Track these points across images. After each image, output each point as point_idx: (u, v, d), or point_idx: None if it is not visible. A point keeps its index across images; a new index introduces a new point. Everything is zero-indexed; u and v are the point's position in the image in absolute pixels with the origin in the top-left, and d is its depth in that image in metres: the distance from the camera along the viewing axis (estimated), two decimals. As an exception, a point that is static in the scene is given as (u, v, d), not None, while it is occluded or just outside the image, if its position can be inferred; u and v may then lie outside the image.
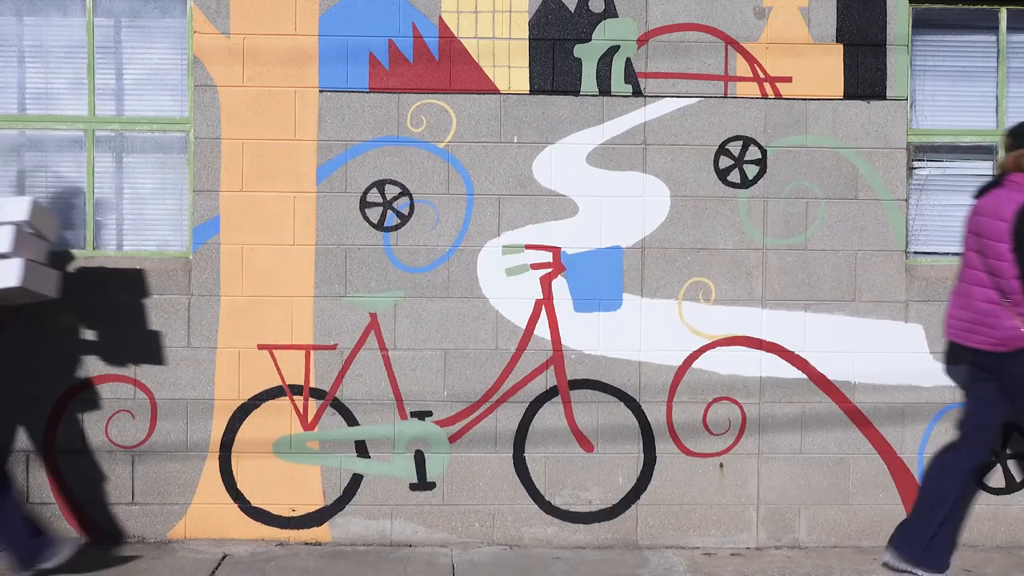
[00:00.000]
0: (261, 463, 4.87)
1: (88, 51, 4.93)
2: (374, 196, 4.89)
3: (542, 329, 4.92)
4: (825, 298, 4.98)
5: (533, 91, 4.92)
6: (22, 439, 4.82)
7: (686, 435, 4.96)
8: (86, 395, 4.82)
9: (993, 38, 5.18)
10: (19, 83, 5.02)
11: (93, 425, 4.82)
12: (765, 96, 4.96)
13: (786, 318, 4.98)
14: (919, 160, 5.16)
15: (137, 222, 5.04)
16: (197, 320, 4.84)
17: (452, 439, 4.91)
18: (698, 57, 4.95)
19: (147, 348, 4.83)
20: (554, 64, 4.92)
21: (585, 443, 4.94)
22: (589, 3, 4.92)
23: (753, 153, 4.97)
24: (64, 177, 5.01)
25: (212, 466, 4.86)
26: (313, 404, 4.88)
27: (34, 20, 5.00)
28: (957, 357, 4.83)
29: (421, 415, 4.91)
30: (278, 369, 4.87)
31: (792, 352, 4.98)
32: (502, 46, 4.91)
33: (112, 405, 4.83)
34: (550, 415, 4.93)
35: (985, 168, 5.21)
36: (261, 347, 4.86)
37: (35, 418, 4.80)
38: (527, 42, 4.91)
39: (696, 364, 4.96)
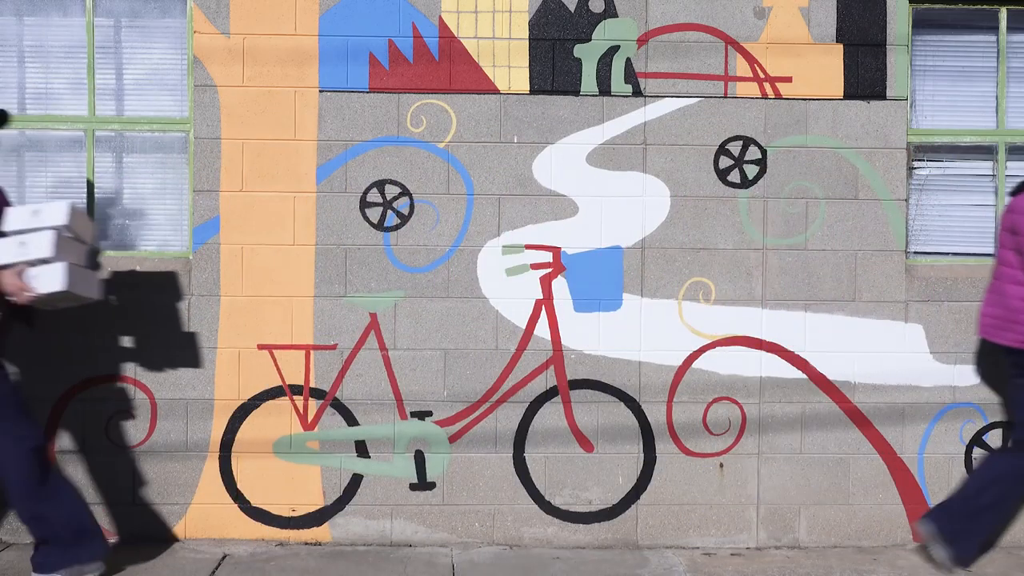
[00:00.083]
0: (261, 463, 4.87)
1: (88, 51, 4.93)
2: (374, 196, 4.89)
3: (542, 329, 4.92)
4: (825, 298, 4.98)
5: (533, 91, 4.92)
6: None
7: (686, 435, 4.96)
8: (86, 395, 4.82)
9: (993, 38, 5.19)
10: (19, 83, 5.02)
11: (93, 425, 4.82)
12: (765, 96, 4.96)
13: (786, 318, 4.98)
14: (919, 160, 5.16)
15: (137, 222, 5.04)
16: (197, 320, 4.84)
17: (452, 439, 4.91)
18: (698, 57, 4.95)
19: (147, 348, 4.83)
20: (554, 64, 4.92)
21: (585, 443, 4.94)
22: (589, 3, 4.92)
23: (753, 153, 4.97)
24: (64, 177, 5.01)
25: (212, 466, 4.86)
26: (313, 404, 4.88)
27: (34, 20, 5.00)
28: (987, 354, 4.86)
29: (421, 415, 4.91)
30: (278, 369, 4.87)
31: (792, 352, 4.98)
32: (502, 46, 4.91)
33: (112, 405, 4.83)
34: (550, 415, 4.93)
35: (985, 168, 5.21)
36: (261, 347, 4.86)
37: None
38: (527, 42, 4.92)
39: (696, 364, 4.96)
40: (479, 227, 4.91)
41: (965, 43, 5.22)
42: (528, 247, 4.93)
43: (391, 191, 4.90)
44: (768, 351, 4.97)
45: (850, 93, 4.98)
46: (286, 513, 4.89)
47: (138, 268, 4.84)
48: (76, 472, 4.80)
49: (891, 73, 4.99)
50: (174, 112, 5.00)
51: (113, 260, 4.87)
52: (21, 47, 5.02)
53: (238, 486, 4.87)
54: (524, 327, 4.92)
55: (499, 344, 4.91)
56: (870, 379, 4.99)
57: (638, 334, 4.94)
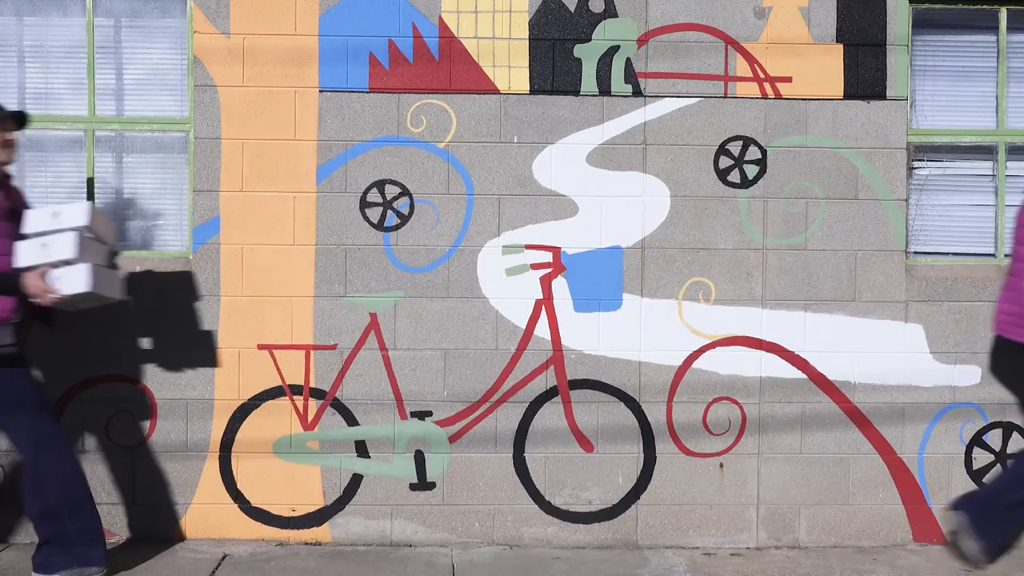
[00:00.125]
0: (261, 463, 4.87)
1: (88, 51, 4.93)
2: (374, 196, 4.89)
3: (542, 329, 4.92)
4: (825, 298, 4.98)
5: (533, 91, 4.92)
6: (22, 439, 4.82)
7: (686, 435, 4.96)
8: (86, 395, 4.82)
9: (993, 38, 5.19)
10: (19, 83, 5.02)
11: (93, 425, 4.82)
12: (765, 96, 4.96)
13: (786, 318, 4.98)
14: (919, 160, 5.17)
15: (137, 222, 5.04)
16: (197, 320, 4.84)
17: (452, 439, 4.91)
18: (698, 57, 4.95)
19: (147, 348, 4.83)
20: (554, 64, 4.92)
21: (585, 443, 4.94)
22: (589, 3, 4.92)
23: (753, 153, 4.97)
24: (64, 177, 5.01)
25: (212, 466, 4.86)
26: (313, 404, 4.88)
27: (34, 20, 5.00)
28: (1003, 351, 4.86)
29: (421, 415, 4.91)
30: (278, 369, 4.87)
31: (792, 352, 4.98)
32: (502, 46, 4.91)
33: (112, 405, 4.83)
34: (550, 415, 4.93)
35: (985, 168, 5.21)
36: (261, 347, 4.86)
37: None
38: (527, 42, 4.92)
39: (696, 364, 4.96)
40: (479, 227, 4.91)
41: (965, 43, 5.22)
42: (528, 247, 4.93)
43: (391, 191, 4.90)
44: (768, 351, 4.97)
45: (850, 93, 4.98)
46: (286, 513, 4.89)
47: (137, 268, 4.84)
48: (76, 472, 4.80)
49: (891, 73, 4.99)
50: (174, 112, 5.00)
51: (113, 260, 4.88)
52: (21, 47, 5.02)
53: (238, 486, 4.87)
54: (524, 327, 4.92)
55: (499, 344, 4.91)
56: (870, 379, 4.99)
57: (638, 334, 4.94)
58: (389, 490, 4.91)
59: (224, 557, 4.64)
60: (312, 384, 4.88)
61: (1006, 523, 4.49)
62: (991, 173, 5.21)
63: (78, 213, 4.15)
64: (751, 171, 4.97)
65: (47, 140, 5.01)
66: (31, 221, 4.13)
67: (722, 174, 4.97)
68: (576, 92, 4.92)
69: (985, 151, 5.21)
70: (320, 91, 4.87)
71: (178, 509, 4.85)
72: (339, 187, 4.88)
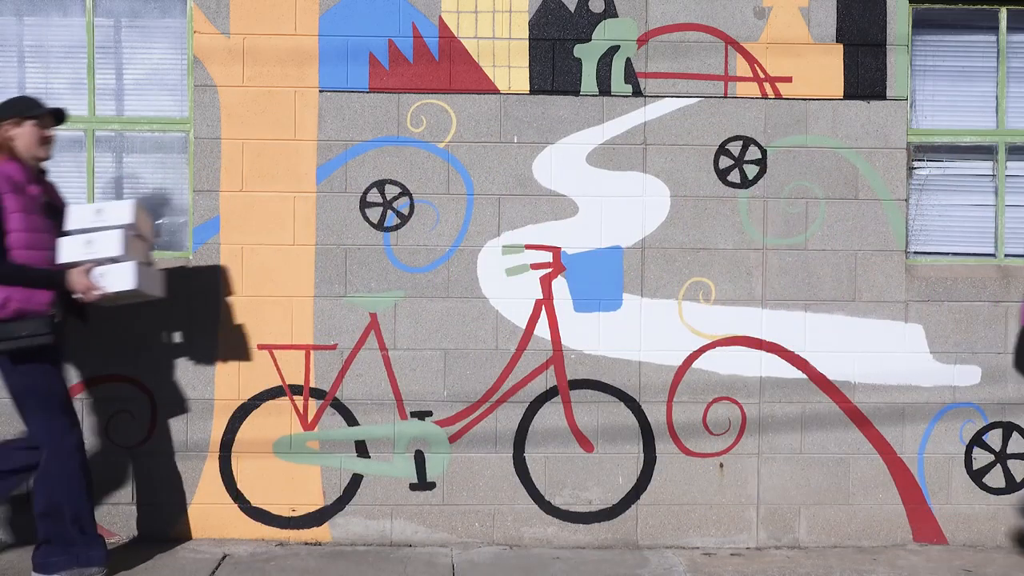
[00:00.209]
0: (261, 463, 4.87)
1: (88, 51, 4.93)
2: (374, 196, 4.89)
3: (542, 329, 4.92)
4: (825, 298, 4.98)
5: (533, 91, 4.92)
6: (22, 439, 4.82)
7: (686, 435, 4.96)
8: (86, 395, 4.82)
9: (993, 38, 5.19)
10: (19, 83, 5.02)
11: (93, 425, 4.82)
12: (765, 96, 4.96)
13: (786, 318, 4.98)
14: (919, 160, 5.16)
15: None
16: (197, 320, 4.84)
17: (452, 439, 4.91)
18: (698, 57, 4.95)
19: (147, 348, 4.83)
20: (554, 64, 4.92)
21: (585, 443, 4.94)
22: (589, 3, 4.92)
23: (753, 153, 4.97)
24: (64, 177, 5.01)
25: (212, 466, 4.86)
26: (313, 404, 4.88)
27: (34, 20, 5.00)
28: None
29: (421, 415, 4.91)
30: (278, 369, 4.87)
31: (792, 352, 4.98)
32: (502, 46, 4.91)
33: (112, 405, 4.83)
34: (550, 415, 4.93)
35: (985, 168, 5.21)
36: (261, 347, 4.86)
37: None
38: (527, 42, 4.91)
39: (696, 364, 4.96)
40: (479, 227, 4.91)
41: (965, 43, 5.22)
42: (528, 247, 4.93)
43: (391, 191, 4.90)
44: (768, 351, 4.97)
45: (850, 93, 4.98)
46: (286, 513, 4.89)
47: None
48: (76, 472, 4.80)
49: (891, 73, 4.99)
50: (174, 112, 5.00)
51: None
52: (21, 47, 5.02)
53: (238, 486, 4.87)
54: (524, 327, 4.92)
55: (499, 344, 4.91)
56: (870, 379, 4.99)
57: (638, 334, 4.94)
58: (389, 490, 4.91)
59: (224, 557, 4.64)
60: (312, 384, 4.88)
61: None
62: (991, 173, 5.21)
63: (123, 211, 4.21)
64: (751, 171, 4.97)
65: (47, 140, 5.01)
66: (74, 218, 4.19)
67: (722, 174, 4.97)
68: (576, 92, 4.92)
69: (985, 151, 5.21)
70: (320, 91, 4.87)
71: (178, 509, 4.85)
72: (339, 187, 4.88)
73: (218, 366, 4.85)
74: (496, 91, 4.90)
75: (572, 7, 4.91)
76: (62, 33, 4.99)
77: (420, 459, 4.91)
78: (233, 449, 4.86)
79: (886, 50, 4.99)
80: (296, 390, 4.88)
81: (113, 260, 4.12)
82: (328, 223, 4.88)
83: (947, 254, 5.18)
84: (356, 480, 4.89)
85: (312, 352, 4.88)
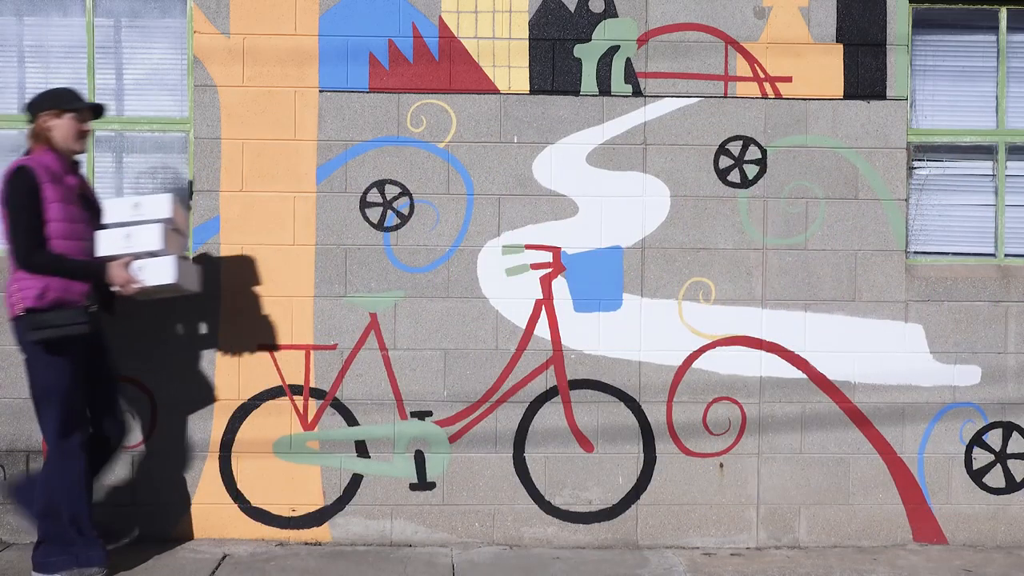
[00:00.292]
0: (261, 463, 4.87)
1: (88, 51, 4.93)
2: (374, 196, 4.89)
3: (542, 329, 4.92)
4: (825, 298, 4.98)
5: (533, 91, 4.92)
6: (22, 439, 4.82)
7: (686, 435, 4.96)
8: (86, 395, 4.82)
9: (993, 38, 5.19)
10: (19, 83, 5.02)
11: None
12: (765, 96, 4.96)
13: (786, 318, 4.98)
14: (919, 160, 5.16)
15: (137, 222, 5.04)
16: (197, 320, 4.84)
17: (452, 439, 4.91)
18: (698, 57, 4.95)
19: (147, 348, 4.83)
20: (554, 64, 4.92)
21: (585, 443, 4.94)
22: (589, 3, 4.92)
23: (753, 153, 4.97)
24: (64, 177, 5.01)
25: (212, 466, 4.86)
26: (313, 404, 4.88)
27: (34, 20, 5.00)
28: None
29: (421, 415, 4.91)
30: (278, 369, 4.87)
31: (792, 352, 4.98)
32: (502, 46, 4.91)
33: (112, 405, 4.82)
34: (550, 415, 4.93)
35: (985, 168, 5.21)
36: (261, 347, 4.86)
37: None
38: (527, 42, 4.91)
39: (696, 364, 4.96)
40: (479, 227, 4.91)
41: (965, 43, 5.21)
42: (528, 247, 4.93)
43: (391, 191, 4.90)
44: (768, 351, 4.97)
45: (850, 93, 4.98)
46: (286, 513, 4.89)
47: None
48: (76, 472, 4.80)
49: (891, 73, 4.99)
50: (174, 112, 5.00)
51: (113, 260, 4.87)
52: (21, 47, 5.02)
53: (238, 486, 4.87)
54: (524, 327, 4.92)
55: (499, 344, 4.91)
56: (870, 379, 4.99)
57: (638, 334, 4.94)
58: (389, 490, 4.90)
59: (224, 557, 4.64)
60: (312, 384, 4.88)
61: None
62: (991, 173, 5.21)
63: (161, 205, 4.26)
64: (751, 171, 4.97)
65: (47, 140, 5.01)
66: (111, 211, 4.25)
67: (722, 174, 4.97)
68: (576, 92, 4.92)
69: (985, 151, 5.21)
70: (320, 91, 4.87)
71: (178, 509, 4.85)
72: (339, 187, 4.88)
73: (218, 366, 4.85)
74: (496, 91, 4.90)
75: (572, 7, 4.91)
76: (62, 33, 4.99)
77: (420, 459, 4.91)
78: (233, 449, 4.86)
79: (886, 50, 4.99)
80: (296, 390, 4.88)
81: (151, 254, 4.18)
82: (328, 223, 4.88)
83: (947, 254, 5.18)
84: (356, 480, 4.89)
85: (312, 352, 4.88)
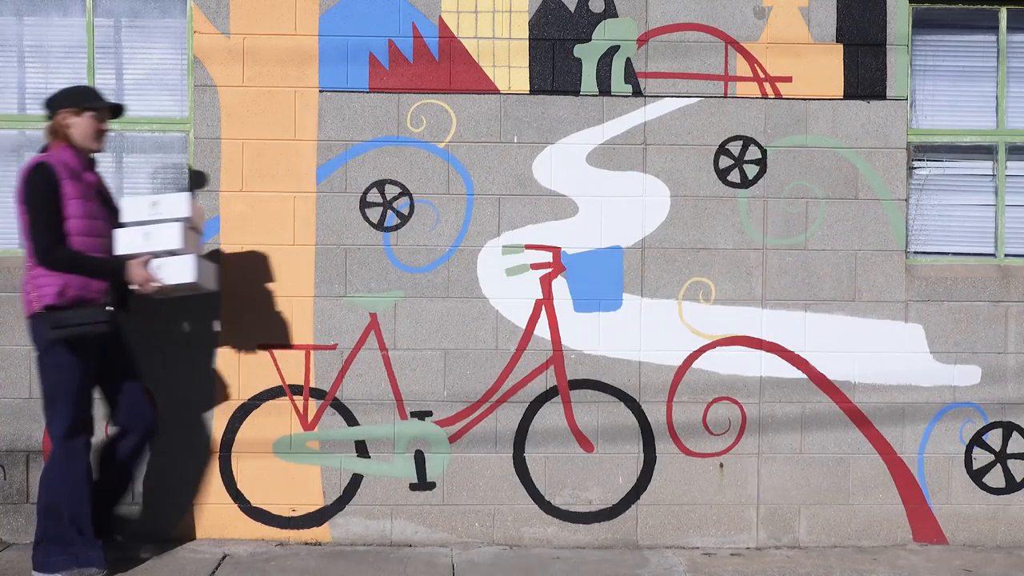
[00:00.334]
0: (261, 463, 4.87)
1: (88, 51, 4.93)
2: (374, 196, 4.89)
3: (542, 329, 4.92)
4: (825, 298, 4.98)
5: (533, 91, 4.92)
6: (22, 439, 4.82)
7: (686, 435, 4.96)
8: (86, 395, 4.82)
9: (993, 38, 5.18)
10: (19, 83, 5.02)
11: (93, 425, 4.82)
12: (765, 96, 4.96)
13: (786, 318, 4.98)
14: (919, 160, 5.16)
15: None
16: (197, 320, 4.84)
17: (452, 439, 4.91)
18: (698, 57, 4.95)
19: (147, 348, 4.82)
20: (554, 64, 4.92)
21: (585, 443, 4.94)
22: (589, 3, 4.92)
23: (753, 153, 4.97)
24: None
25: (212, 466, 4.85)
26: (313, 404, 4.88)
27: (34, 20, 5.00)
28: None
29: (421, 415, 4.91)
30: (278, 369, 4.87)
31: (792, 352, 4.98)
32: (502, 46, 4.91)
33: (112, 405, 4.82)
34: (550, 415, 4.93)
35: (985, 168, 5.21)
36: (261, 347, 4.86)
37: (35, 418, 4.79)
38: (527, 42, 4.91)
39: (696, 364, 4.96)
40: (479, 227, 4.91)
41: (965, 43, 5.21)
42: (528, 247, 4.93)
43: (391, 191, 4.90)
44: (768, 351, 4.97)
45: (850, 93, 4.98)
46: (286, 513, 4.89)
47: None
48: (76, 472, 4.80)
49: (891, 73, 4.99)
50: (174, 112, 5.00)
51: (113, 260, 4.87)
52: (21, 47, 5.02)
53: (238, 486, 4.87)
54: (524, 327, 4.92)
55: (499, 344, 4.91)
56: (870, 379, 4.99)
57: (638, 334, 4.94)
58: (389, 490, 4.90)
59: (224, 557, 4.63)
60: (312, 384, 4.88)
61: None
62: (991, 173, 5.21)
63: (180, 204, 4.29)
64: (751, 171, 4.97)
65: (47, 140, 5.01)
66: (129, 209, 4.28)
67: (722, 174, 4.97)
68: (576, 92, 4.92)
69: (985, 151, 5.21)
70: (320, 91, 4.87)
71: (178, 509, 4.85)
72: (339, 187, 4.88)
73: (218, 366, 4.85)
74: (496, 91, 4.90)
75: (572, 7, 4.91)
76: (62, 33, 4.99)
77: (420, 459, 4.91)
78: (233, 449, 4.85)
79: (886, 50, 4.99)
80: (296, 390, 4.88)
81: (170, 253, 4.21)
82: (328, 223, 4.88)
83: (947, 254, 5.18)
84: (356, 480, 4.89)
85: (312, 352, 4.88)
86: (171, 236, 4.20)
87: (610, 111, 4.92)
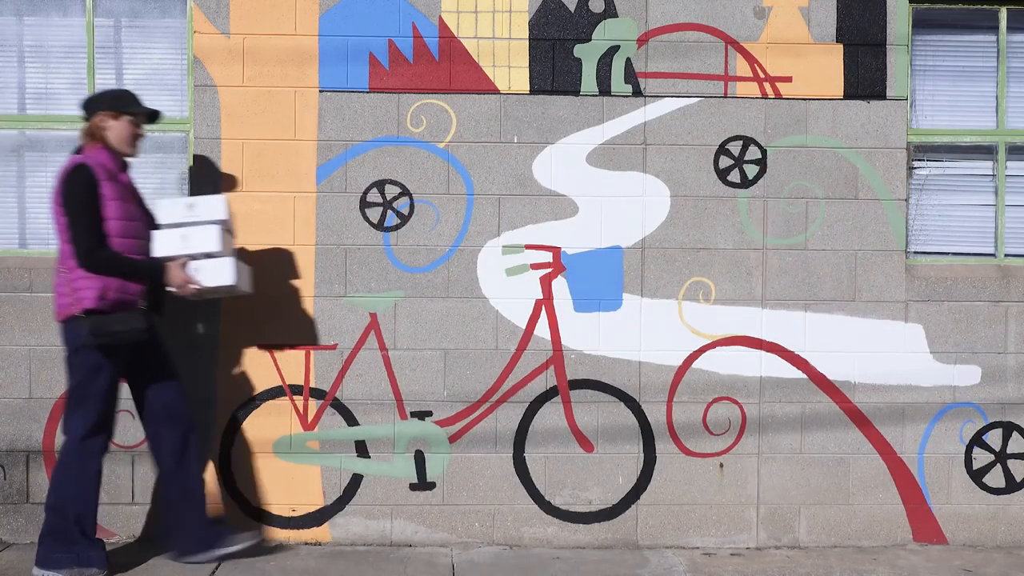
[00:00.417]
0: (261, 463, 4.87)
1: (88, 51, 4.93)
2: (374, 196, 4.89)
3: (542, 329, 4.92)
4: (825, 298, 4.98)
5: (533, 91, 4.92)
6: (22, 439, 4.82)
7: (686, 435, 4.96)
8: (86, 395, 4.82)
9: (993, 38, 5.18)
10: (19, 83, 5.02)
11: (93, 425, 4.82)
12: (765, 96, 4.96)
13: (786, 318, 4.98)
14: (919, 160, 5.17)
15: (137, 222, 5.04)
16: (197, 320, 4.84)
17: (452, 439, 4.91)
18: (698, 57, 4.95)
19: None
20: (554, 64, 4.92)
21: (585, 443, 4.94)
22: (589, 3, 4.92)
23: (753, 153, 4.97)
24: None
25: (212, 466, 4.85)
26: (313, 404, 4.88)
27: (34, 20, 5.00)
28: None
29: (421, 415, 4.91)
30: (278, 369, 4.87)
31: (792, 352, 4.98)
32: (502, 46, 4.91)
33: (112, 405, 4.82)
34: (550, 415, 4.93)
35: (985, 168, 5.21)
36: (261, 347, 4.86)
37: (35, 418, 4.80)
38: (527, 42, 4.92)
39: (696, 364, 4.96)
40: (479, 227, 4.91)
41: (965, 43, 5.22)
42: (528, 247, 4.93)
43: (391, 191, 4.90)
44: (768, 351, 4.97)
45: (850, 93, 4.98)
46: (286, 513, 4.89)
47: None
48: (76, 472, 4.80)
49: (891, 73, 4.99)
50: (174, 112, 5.00)
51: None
52: (21, 47, 5.02)
53: (238, 486, 4.87)
54: (524, 327, 4.92)
55: (499, 344, 4.91)
56: (870, 379, 4.99)
57: (638, 334, 4.94)
58: (389, 490, 4.91)
59: (224, 557, 4.63)
60: (312, 384, 4.88)
61: None
62: (991, 173, 5.21)
63: (216, 206, 4.33)
64: (751, 171, 4.97)
65: (47, 140, 5.01)
66: (165, 212, 4.31)
67: (722, 174, 4.97)
68: (576, 92, 4.92)
69: (985, 151, 5.21)
70: (320, 91, 4.87)
71: (178, 509, 4.85)
72: (339, 187, 4.88)
73: (218, 366, 4.85)
74: (496, 91, 4.91)
75: (572, 7, 4.91)
76: (62, 33, 4.99)
77: (420, 459, 4.91)
78: (233, 449, 4.85)
79: (886, 50, 4.99)
80: (296, 390, 4.88)
81: (208, 255, 4.23)
82: (328, 223, 4.88)
83: (947, 254, 5.18)
84: (356, 480, 4.90)
85: (312, 352, 4.88)
86: (209, 238, 4.23)
87: (610, 111, 4.92)
